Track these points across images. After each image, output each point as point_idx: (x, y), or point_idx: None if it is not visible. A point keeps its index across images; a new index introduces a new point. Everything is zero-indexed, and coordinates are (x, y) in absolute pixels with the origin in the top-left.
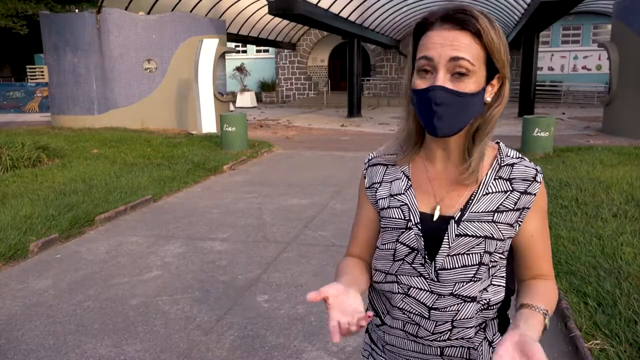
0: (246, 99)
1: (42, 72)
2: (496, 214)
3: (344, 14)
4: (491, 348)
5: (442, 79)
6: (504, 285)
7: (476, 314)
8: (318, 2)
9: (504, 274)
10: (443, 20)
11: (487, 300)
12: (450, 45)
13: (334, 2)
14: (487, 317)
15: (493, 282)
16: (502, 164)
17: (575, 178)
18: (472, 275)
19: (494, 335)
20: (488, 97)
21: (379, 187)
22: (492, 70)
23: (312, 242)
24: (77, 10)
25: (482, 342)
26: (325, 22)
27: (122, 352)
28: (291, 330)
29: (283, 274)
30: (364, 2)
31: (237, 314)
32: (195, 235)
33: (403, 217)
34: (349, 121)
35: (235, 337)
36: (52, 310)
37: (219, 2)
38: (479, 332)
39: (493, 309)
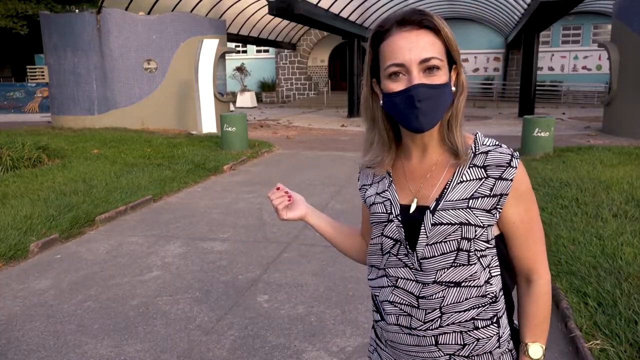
0: (246, 99)
1: (42, 72)
2: (471, 200)
3: (344, 14)
4: (499, 342)
5: (418, 77)
6: (500, 273)
7: (468, 300)
8: (318, 2)
9: (497, 263)
10: (400, 24)
11: (494, 293)
12: (417, 48)
13: (334, 2)
14: (497, 310)
15: (492, 274)
16: (477, 152)
17: (576, 178)
18: (451, 260)
19: (504, 328)
20: (453, 87)
21: (369, 187)
22: (450, 61)
23: (312, 242)
24: (77, 11)
25: (492, 336)
26: (325, 22)
27: (122, 352)
28: (291, 331)
29: (283, 274)
30: (364, 2)
31: (238, 314)
32: (196, 235)
33: (386, 211)
34: (349, 121)
35: (236, 337)
36: (52, 311)
37: (219, 2)
38: (490, 326)
39: (499, 300)
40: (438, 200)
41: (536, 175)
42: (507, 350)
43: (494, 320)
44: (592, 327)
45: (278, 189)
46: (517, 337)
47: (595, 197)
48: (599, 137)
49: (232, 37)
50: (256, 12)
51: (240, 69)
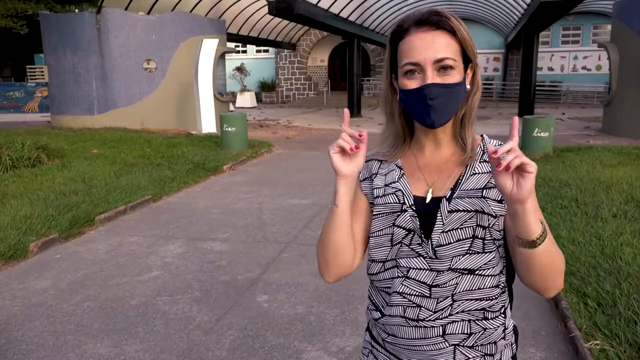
0: (246, 99)
1: (42, 72)
2: (484, 190)
3: (344, 14)
4: (504, 334)
5: (432, 77)
6: (505, 264)
7: (481, 290)
8: (318, 2)
9: (505, 254)
10: (418, 24)
11: (504, 283)
12: (432, 49)
13: (334, 2)
14: (504, 301)
15: (504, 264)
16: (486, 150)
17: (575, 178)
18: (467, 247)
19: (509, 320)
20: (468, 85)
21: (375, 177)
22: (466, 60)
23: (312, 242)
24: (77, 10)
25: (499, 327)
26: (325, 22)
27: (122, 352)
28: (291, 330)
29: (283, 274)
30: (364, 2)
31: (237, 314)
32: (195, 235)
33: (398, 201)
34: None
35: (235, 337)
36: (52, 310)
37: (219, 2)
38: (499, 317)
39: (506, 291)
40: (453, 190)
41: (536, 176)
42: (510, 343)
43: (502, 311)
44: (591, 328)
45: (360, 135)
46: (516, 332)
47: (595, 197)
48: (599, 137)
49: (231, 37)
50: (256, 12)
51: (240, 69)
